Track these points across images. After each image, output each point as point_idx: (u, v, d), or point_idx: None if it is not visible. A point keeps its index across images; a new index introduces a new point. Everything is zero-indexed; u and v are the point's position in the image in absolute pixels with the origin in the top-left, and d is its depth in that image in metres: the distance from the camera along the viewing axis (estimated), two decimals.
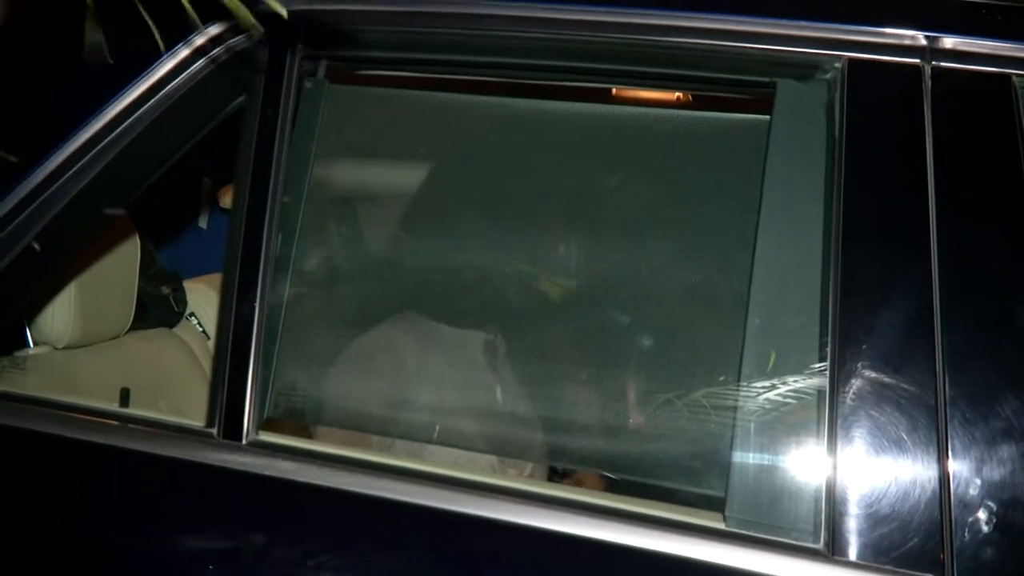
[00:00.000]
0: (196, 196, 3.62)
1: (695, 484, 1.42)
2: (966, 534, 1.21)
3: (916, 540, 1.21)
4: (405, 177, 1.74)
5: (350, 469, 1.39)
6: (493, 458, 1.69)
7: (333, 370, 1.61)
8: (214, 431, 1.43)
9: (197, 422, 1.45)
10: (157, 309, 2.38)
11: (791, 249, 1.34)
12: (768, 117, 1.40)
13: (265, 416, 1.45)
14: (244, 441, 1.42)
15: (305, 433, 1.55)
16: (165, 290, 2.40)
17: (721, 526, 1.28)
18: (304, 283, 1.55)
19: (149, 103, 1.52)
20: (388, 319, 1.75)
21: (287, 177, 1.49)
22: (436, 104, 1.66)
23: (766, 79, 1.41)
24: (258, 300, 1.43)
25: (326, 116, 1.58)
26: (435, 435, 1.62)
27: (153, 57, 1.52)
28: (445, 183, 1.74)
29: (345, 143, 1.65)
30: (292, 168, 1.51)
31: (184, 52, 1.52)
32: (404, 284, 1.71)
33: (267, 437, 1.43)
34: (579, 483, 1.67)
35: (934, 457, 1.22)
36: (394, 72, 1.63)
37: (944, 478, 1.22)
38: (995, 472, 1.21)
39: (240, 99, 1.54)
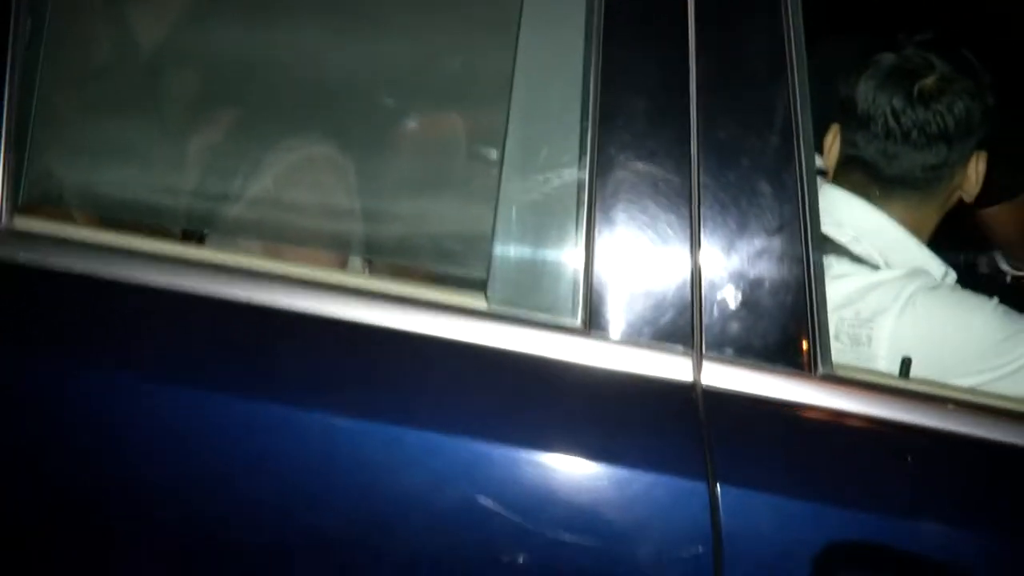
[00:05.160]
0: None
1: (459, 267, 1.44)
2: (714, 310, 1.26)
3: (668, 315, 1.27)
4: None
5: (113, 257, 1.35)
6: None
7: (95, 156, 1.55)
8: None
9: None
10: None
11: (553, 37, 1.34)
12: None
13: (20, 203, 1.39)
14: None
15: (68, 219, 1.49)
16: None
17: (483, 307, 1.30)
18: (59, 67, 1.48)
19: None
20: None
21: None
22: None
23: None
24: (5, 88, 1.37)
25: None
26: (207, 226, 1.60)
27: None
28: None
29: None
30: None
31: None
32: (167, 75, 1.67)
33: (22, 225, 1.37)
34: None
35: (686, 240, 1.27)
36: None
37: (695, 259, 1.27)
38: (742, 254, 1.27)
39: None
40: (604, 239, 1.28)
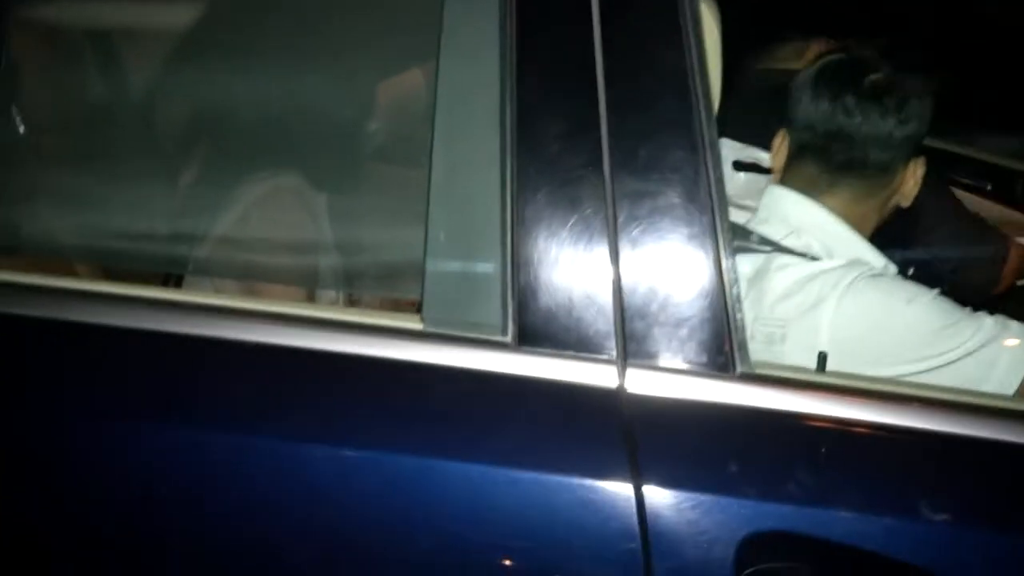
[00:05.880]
0: None
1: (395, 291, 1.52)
2: (636, 319, 1.34)
3: (592, 327, 1.34)
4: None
5: (75, 299, 1.45)
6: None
7: (59, 202, 1.65)
8: None
9: None
10: None
11: (471, 70, 1.41)
12: None
13: None
14: None
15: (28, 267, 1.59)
16: None
17: (419, 327, 1.38)
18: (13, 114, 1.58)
19: None
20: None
21: None
22: None
23: None
24: None
25: None
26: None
27: None
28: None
29: None
30: None
31: None
32: (126, 118, 1.75)
33: None
34: None
35: (605, 254, 1.34)
36: None
37: (615, 272, 1.34)
38: (659, 264, 1.35)
39: None
40: (528, 258, 1.35)
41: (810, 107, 1.79)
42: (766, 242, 1.75)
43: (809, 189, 1.81)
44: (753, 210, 1.89)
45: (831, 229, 1.78)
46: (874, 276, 1.72)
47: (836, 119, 1.76)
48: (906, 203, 1.85)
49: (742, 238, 1.76)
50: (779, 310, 1.70)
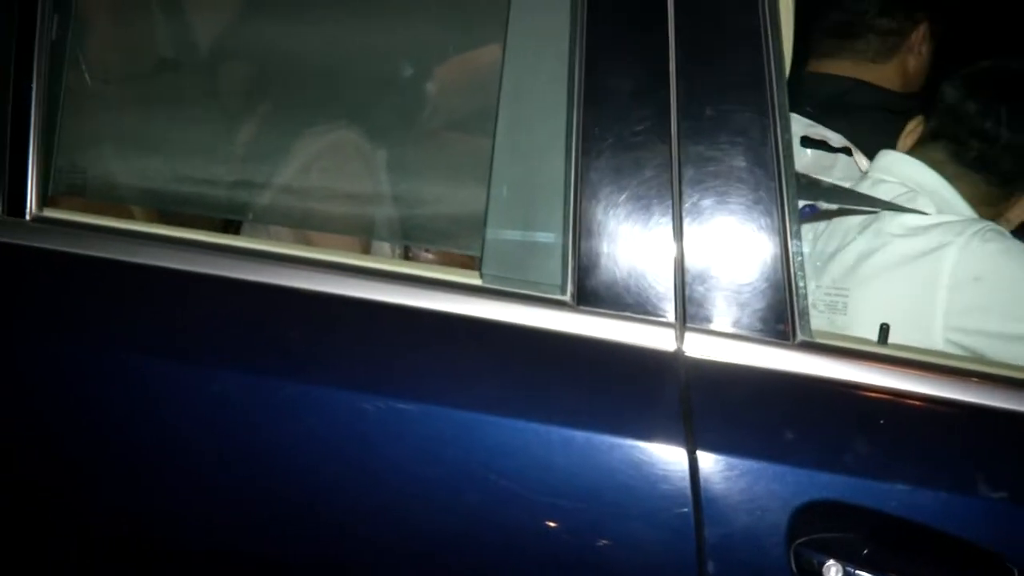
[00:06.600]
0: None
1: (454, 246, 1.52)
2: (696, 283, 1.33)
3: (652, 288, 1.33)
4: None
5: (136, 241, 1.45)
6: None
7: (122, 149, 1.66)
8: None
9: None
10: None
11: (540, 27, 1.40)
12: None
13: (49, 193, 1.50)
14: (28, 217, 1.47)
15: (93, 210, 1.60)
16: None
17: (478, 283, 1.38)
18: (86, 61, 1.58)
19: None
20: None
21: None
22: None
23: None
24: (34, 81, 1.47)
25: None
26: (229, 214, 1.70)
27: None
28: None
29: None
30: None
31: None
32: (192, 67, 1.76)
33: (51, 213, 1.48)
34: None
35: (669, 216, 1.33)
36: None
37: (678, 234, 1.33)
38: (722, 228, 1.33)
39: None
40: (590, 217, 1.34)
41: (961, 102, 1.82)
42: (874, 202, 1.75)
43: (936, 168, 1.83)
44: None
45: (951, 199, 1.80)
46: (999, 231, 1.73)
47: (984, 122, 1.79)
48: (1008, 227, 1.86)
49: (846, 200, 1.76)
50: (813, 287, 1.69)
